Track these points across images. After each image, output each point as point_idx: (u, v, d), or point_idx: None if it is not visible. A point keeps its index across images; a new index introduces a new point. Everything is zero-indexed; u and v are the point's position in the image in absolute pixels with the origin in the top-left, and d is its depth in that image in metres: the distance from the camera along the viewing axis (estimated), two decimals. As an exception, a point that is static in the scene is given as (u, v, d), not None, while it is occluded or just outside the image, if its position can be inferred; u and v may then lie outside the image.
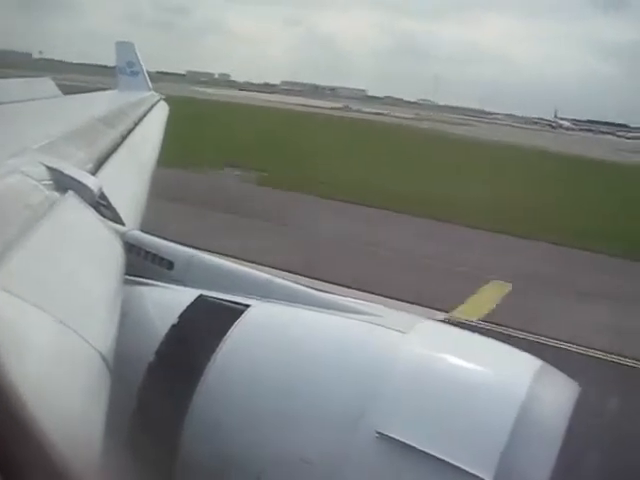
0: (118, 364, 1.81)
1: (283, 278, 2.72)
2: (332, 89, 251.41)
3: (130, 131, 7.82)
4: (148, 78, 18.99)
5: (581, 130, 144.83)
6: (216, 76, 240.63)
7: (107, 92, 15.77)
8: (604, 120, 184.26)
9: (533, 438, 1.95)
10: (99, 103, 11.24)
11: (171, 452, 2.17)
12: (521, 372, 2.18)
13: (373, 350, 2.25)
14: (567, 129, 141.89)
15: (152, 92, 17.19)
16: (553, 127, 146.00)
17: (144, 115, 10.56)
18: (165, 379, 2.28)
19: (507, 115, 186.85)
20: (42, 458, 1.13)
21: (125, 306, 2.24)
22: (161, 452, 2.17)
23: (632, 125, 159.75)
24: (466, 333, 2.50)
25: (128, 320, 2.21)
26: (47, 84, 10.07)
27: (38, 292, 1.72)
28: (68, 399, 1.48)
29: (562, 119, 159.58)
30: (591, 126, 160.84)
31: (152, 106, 12.93)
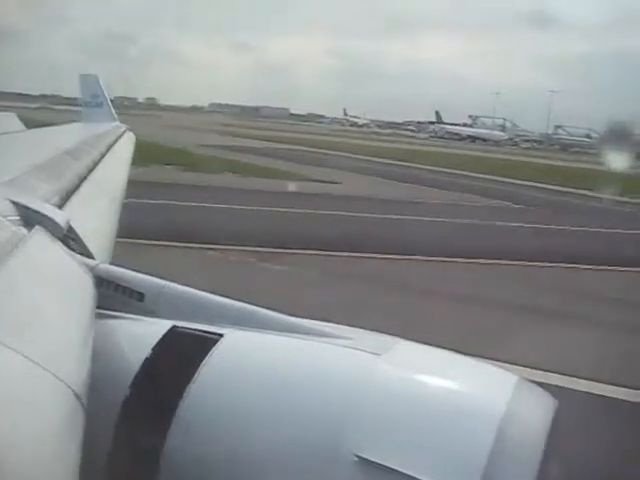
0: (92, 401, 1.78)
1: (255, 305, 2.71)
2: (256, 109, 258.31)
3: (96, 163, 7.75)
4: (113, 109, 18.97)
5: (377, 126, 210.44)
6: (140, 100, 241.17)
7: (72, 125, 15.66)
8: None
9: (513, 455, 1.97)
10: (64, 136, 11.13)
11: None
12: (499, 389, 2.20)
13: (349, 373, 2.25)
14: (360, 126, 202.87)
15: (117, 123, 17.14)
16: (351, 125, 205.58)
17: (110, 146, 10.50)
18: (141, 413, 2.25)
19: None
20: None
21: (97, 341, 2.21)
22: None
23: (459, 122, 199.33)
24: (442, 352, 2.51)
25: (101, 355, 2.18)
26: (10, 118, 9.97)
27: (8, 331, 1.70)
28: (41, 442, 1.45)
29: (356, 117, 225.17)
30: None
31: (118, 137, 12.88)
